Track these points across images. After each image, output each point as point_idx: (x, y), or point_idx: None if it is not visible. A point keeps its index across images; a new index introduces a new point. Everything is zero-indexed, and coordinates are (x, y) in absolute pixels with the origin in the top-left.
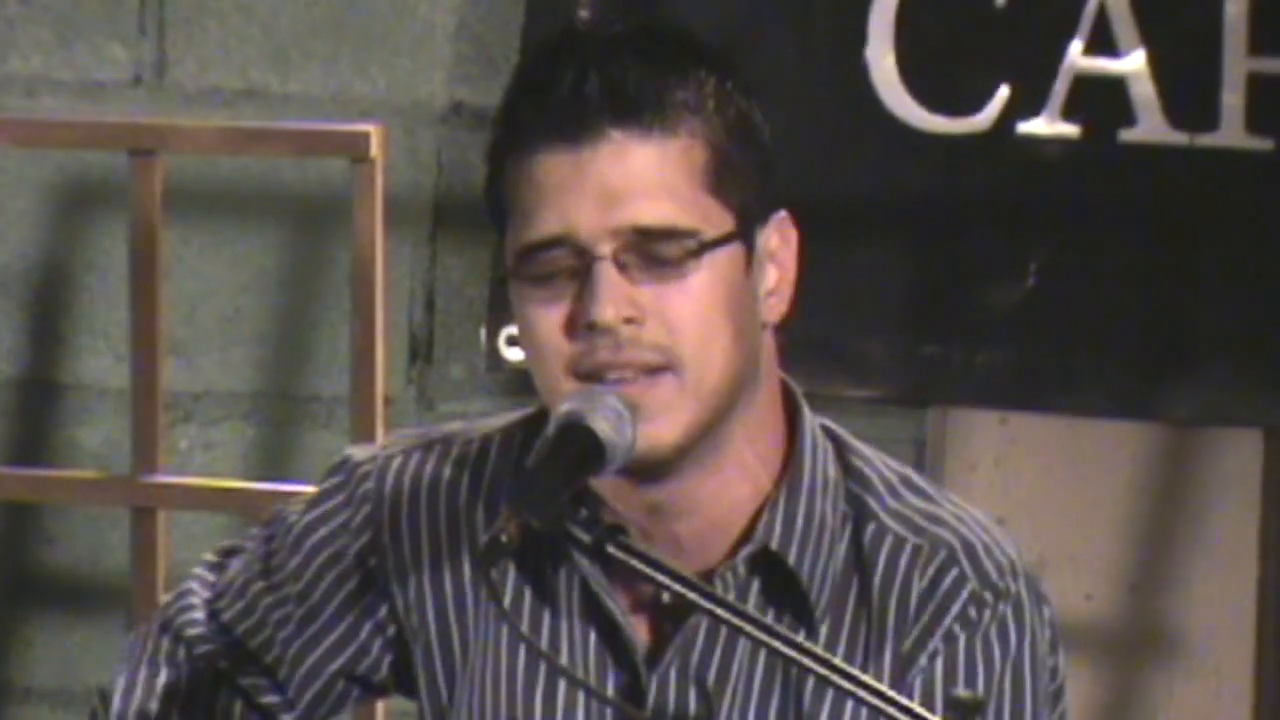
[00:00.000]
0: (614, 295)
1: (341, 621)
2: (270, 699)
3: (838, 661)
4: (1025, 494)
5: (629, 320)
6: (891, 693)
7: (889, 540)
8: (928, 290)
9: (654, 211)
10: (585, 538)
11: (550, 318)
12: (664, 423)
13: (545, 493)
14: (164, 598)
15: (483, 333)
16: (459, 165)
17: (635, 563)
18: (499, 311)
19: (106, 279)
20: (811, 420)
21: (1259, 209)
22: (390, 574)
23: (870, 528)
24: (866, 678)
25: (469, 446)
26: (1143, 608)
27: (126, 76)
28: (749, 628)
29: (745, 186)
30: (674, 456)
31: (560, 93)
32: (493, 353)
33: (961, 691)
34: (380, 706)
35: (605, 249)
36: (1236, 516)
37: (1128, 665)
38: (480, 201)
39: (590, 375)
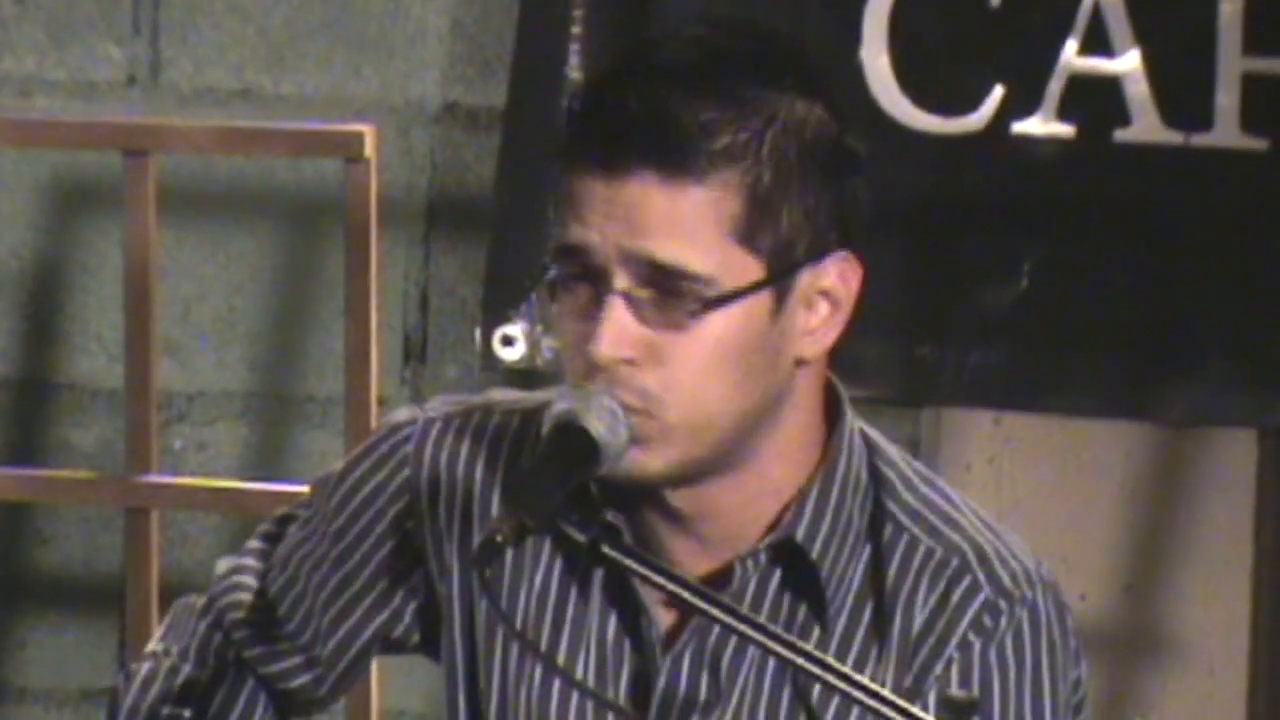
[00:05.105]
0: (615, 335)
1: (376, 586)
2: (300, 680)
3: (844, 668)
4: (1019, 494)
5: (626, 361)
6: (900, 701)
7: (904, 541)
8: (922, 290)
9: (669, 251)
10: (580, 538)
11: (570, 320)
12: (650, 453)
13: (540, 493)
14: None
15: (477, 333)
16: (453, 165)
17: (630, 563)
18: (493, 311)
19: (100, 279)
20: (852, 422)
21: (1254, 209)
22: (426, 540)
23: (888, 528)
24: (869, 682)
25: (509, 418)
26: (1137, 608)
27: (121, 76)
28: (746, 629)
29: (788, 231)
30: (663, 484)
31: (600, 120)
32: (487, 353)
33: (956, 691)
34: (375, 707)
35: (620, 281)
36: (1231, 516)
37: (1122, 665)
38: (474, 201)
39: None
